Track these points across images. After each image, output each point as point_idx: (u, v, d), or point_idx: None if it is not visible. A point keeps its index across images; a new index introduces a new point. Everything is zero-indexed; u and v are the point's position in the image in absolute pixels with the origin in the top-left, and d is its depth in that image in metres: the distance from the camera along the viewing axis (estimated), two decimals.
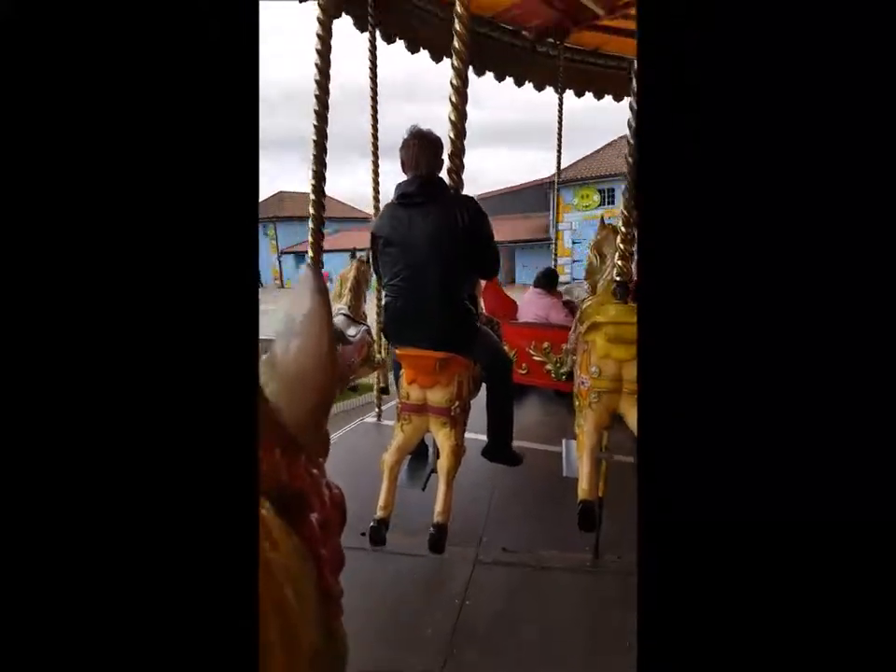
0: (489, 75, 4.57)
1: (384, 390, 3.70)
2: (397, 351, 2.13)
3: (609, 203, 21.53)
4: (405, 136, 2.07)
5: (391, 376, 2.55)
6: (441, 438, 2.09)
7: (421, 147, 2.03)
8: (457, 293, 2.04)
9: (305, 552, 0.39)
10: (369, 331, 3.45)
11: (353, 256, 3.57)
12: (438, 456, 2.18)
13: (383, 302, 2.21)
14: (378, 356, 3.60)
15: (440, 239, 1.94)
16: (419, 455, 2.38)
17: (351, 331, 3.29)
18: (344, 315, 3.38)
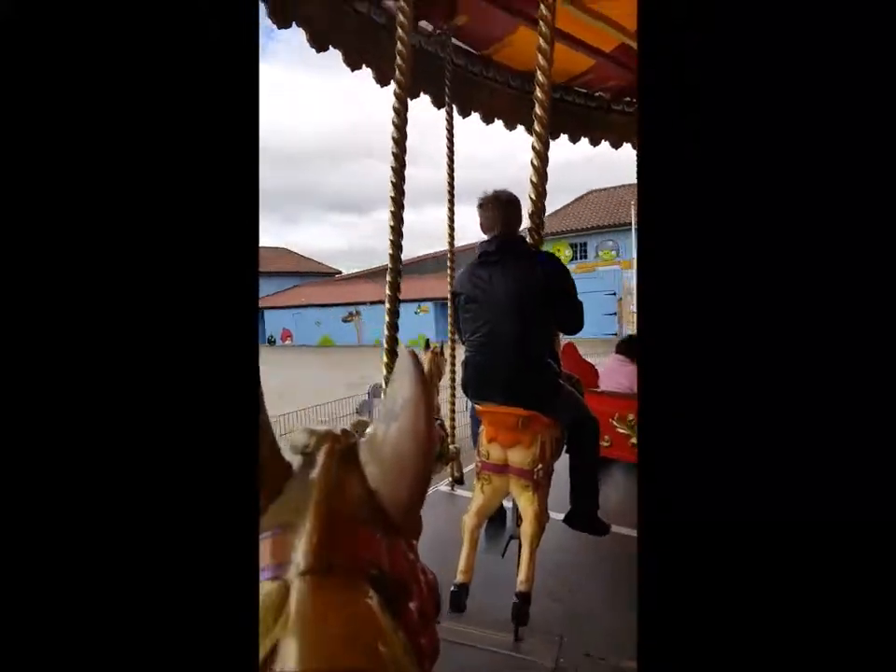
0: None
1: (458, 480, 3.63)
2: (477, 407, 2.08)
3: (581, 258, 21.91)
4: (482, 198, 2.11)
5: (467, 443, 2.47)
6: (524, 502, 1.99)
7: (496, 209, 2.06)
8: (538, 349, 2.00)
9: (408, 644, 0.37)
10: (442, 425, 3.32)
11: (427, 346, 3.48)
12: (517, 522, 2.08)
13: (464, 358, 2.21)
14: (451, 447, 3.53)
15: (519, 295, 1.94)
16: (497, 519, 2.30)
17: None
18: None
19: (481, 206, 2.10)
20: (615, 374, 3.84)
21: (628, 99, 4.78)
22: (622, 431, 3.60)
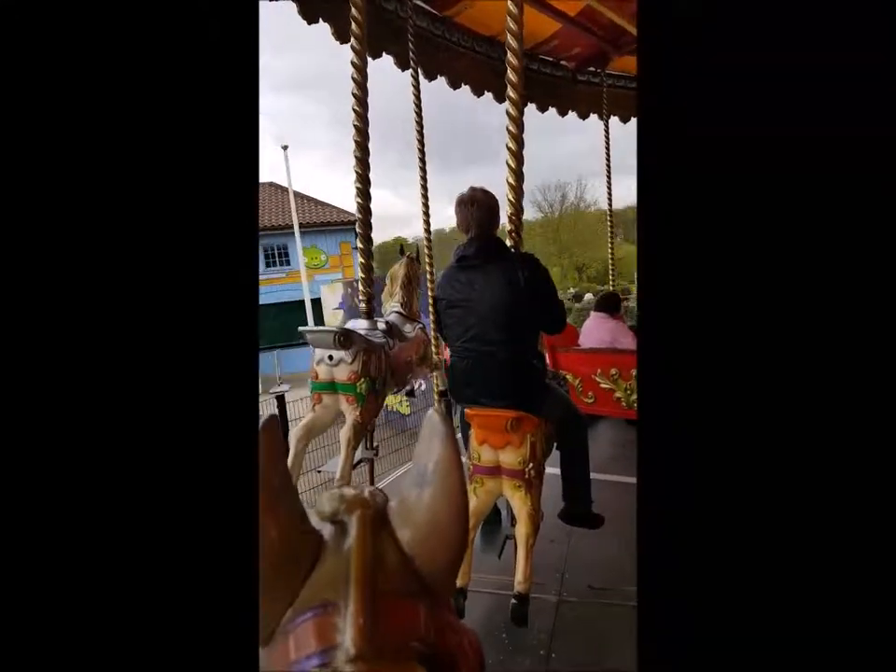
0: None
1: (443, 394, 3.48)
2: (466, 411, 2.08)
3: (282, 264, 16.69)
4: (460, 197, 2.07)
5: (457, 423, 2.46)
6: (517, 502, 2.00)
7: (469, 209, 2.03)
8: (522, 351, 2.01)
9: None
10: (424, 329, 3.26)
11: (402, 252, 3.42)
12: (512, 522, 2.11)
13: (448, 363, 2.22)
14: (436, 357, 3.46)
15: (501, 299, 1.94)
16: (492, 520, 2.31)
17: (407, 328, 3.04)
18: (398, 312, 3.13)
19: (457, 207, 2.06)
20: (596, 331, 3.84)
21: (592, 69, 4.83)
22: (605, 386, 3.59)
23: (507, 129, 2.15)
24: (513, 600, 1.92)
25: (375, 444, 2.83)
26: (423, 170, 3.67)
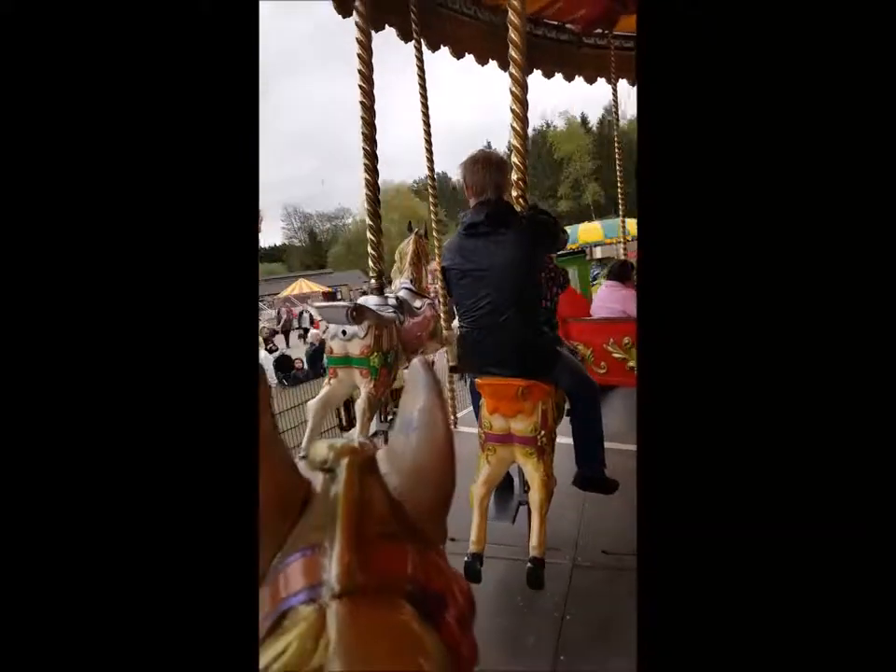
0: None
1: (453, 369, 3.47)
2: (477, 381, 2.07)
3: None
4: (468, 159, 1.99)
5: (468, 393, 2.47)
6: (530, 469, 2.02)
7: (488, 171, 1.95)
8: (533, 319, 2.00)
9: (450, 656, 0.36)
10: (433, 305, 3.33)
11: (410, 229, 3.46)
12: (525, 488, 2.12)
13: (459, 333, 2.18)
14: (444, 332, 3.51)
15: (514, 266, 1.90)
16: (505, 486, 2.31)
17: (417, 304, 3.13)
18: (407, 288, 3.23)
19: (467, 168, 1.98)
20: (607, 301, 3.81)
21: (599, 31, 4.70)
22: (617, 356, 3.58)
23: (510, 90, 2.15)
24: (529, 564, 1.94)
25: (389, 417, 2.87)
26: (429, 142, 3.67)
